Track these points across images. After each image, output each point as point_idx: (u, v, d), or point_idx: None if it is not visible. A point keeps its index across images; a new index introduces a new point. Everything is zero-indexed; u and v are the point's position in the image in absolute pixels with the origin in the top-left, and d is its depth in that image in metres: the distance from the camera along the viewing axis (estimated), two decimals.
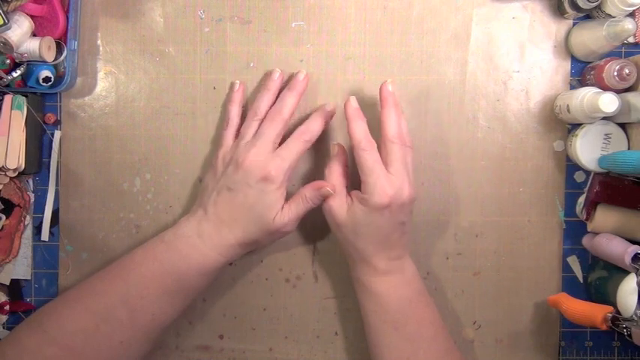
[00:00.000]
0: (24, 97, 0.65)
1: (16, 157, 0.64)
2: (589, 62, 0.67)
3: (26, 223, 0.67)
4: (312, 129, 0.62)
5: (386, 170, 0.59)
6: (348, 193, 0.61)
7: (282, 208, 0.60)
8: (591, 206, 0.64)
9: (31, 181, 0.68)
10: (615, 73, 0.61)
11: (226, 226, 0.60)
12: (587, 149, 0.64)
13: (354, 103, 0.61)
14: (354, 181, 0.63)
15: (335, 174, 0.62)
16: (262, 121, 0.62)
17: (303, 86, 0.64)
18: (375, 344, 0.61)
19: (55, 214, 0.68)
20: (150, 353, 0.62)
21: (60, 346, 0.56)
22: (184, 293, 0.61)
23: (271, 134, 0.61)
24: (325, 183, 0.61)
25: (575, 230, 0.68)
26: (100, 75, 0.68)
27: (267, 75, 0.65)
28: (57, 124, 0.68)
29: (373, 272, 0.60)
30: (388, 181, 0.58)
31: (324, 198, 0.61)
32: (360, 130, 0.60)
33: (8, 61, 0.63)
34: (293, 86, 0.63)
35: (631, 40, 0.66)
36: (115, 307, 0.58)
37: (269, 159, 0.59)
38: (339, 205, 0.60)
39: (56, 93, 0.67)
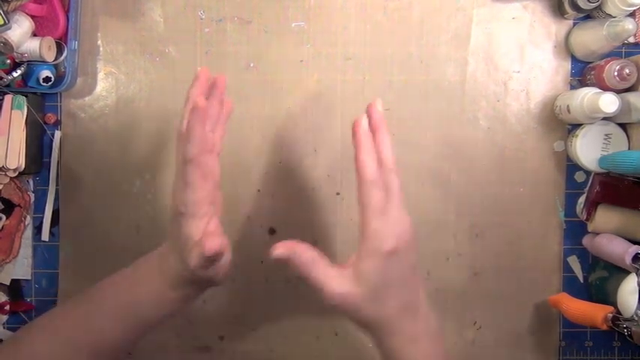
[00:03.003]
0: (24, 97, 0.65)
1: (16, 157, 0.64)
2: (589, 62, 0.67)
3: (26, 223, 0.67)
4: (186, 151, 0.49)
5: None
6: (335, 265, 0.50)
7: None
8: (592, 206, 0.64)
9: (31, 181, 0.68)
10: (615, 73, 0.61)
11: (171, 249, 0.53)
12: (588, 149, 0.64)
13: (379, 106, 0.51)
14: None
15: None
16: None
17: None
18: None
19: (56, 214, 0.68)
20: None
21: None
22: (133, 316, 0.53)
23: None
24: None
25: (575, 230, 0.68)
26: (100, 75, 0.68)
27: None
28: (57, 124, 0.68)
29: (409, 340, 0.50)
30: (398, 218, 0.49)
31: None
32: (389, 144, 0.49)
33: (8, 61, 0.63)
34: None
35: (631, 40, 0.66)
36: (77, 331, 0.53)
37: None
38: (338, 282, 0.49)
39: (56, 93, 0.67)
